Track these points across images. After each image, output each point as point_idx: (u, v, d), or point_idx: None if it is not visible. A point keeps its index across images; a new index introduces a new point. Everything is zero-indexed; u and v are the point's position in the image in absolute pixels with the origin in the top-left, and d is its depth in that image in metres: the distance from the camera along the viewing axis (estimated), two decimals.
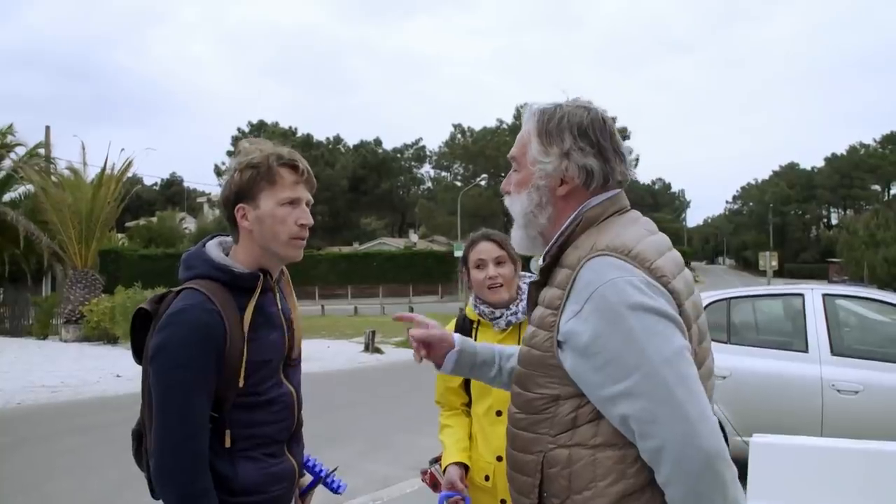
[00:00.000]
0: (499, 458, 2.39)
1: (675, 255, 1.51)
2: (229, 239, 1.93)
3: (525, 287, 2.52)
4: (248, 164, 1.81)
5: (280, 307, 1.90)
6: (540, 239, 1.60)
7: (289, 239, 1.84)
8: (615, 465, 1.37)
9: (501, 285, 2.52)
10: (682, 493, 1.29)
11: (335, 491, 2.13)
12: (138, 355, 1.85)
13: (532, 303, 1.59)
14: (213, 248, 1.88)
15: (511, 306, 2.53)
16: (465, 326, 2.60)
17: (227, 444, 1.76)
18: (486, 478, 2.47)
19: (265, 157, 1.81)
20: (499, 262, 2.53)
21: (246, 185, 1.81)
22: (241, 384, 1.74)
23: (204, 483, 1.69)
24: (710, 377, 1.51)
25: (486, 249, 2.54)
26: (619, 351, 1.33)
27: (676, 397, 1.28)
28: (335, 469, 2.15)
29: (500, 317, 2.53)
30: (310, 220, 1.87)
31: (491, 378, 1.86)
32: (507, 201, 1.63)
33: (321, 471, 2.09)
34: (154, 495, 1.85)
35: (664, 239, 1.54)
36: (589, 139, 1.52)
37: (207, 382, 1.71)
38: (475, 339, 2.27)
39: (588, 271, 1.40)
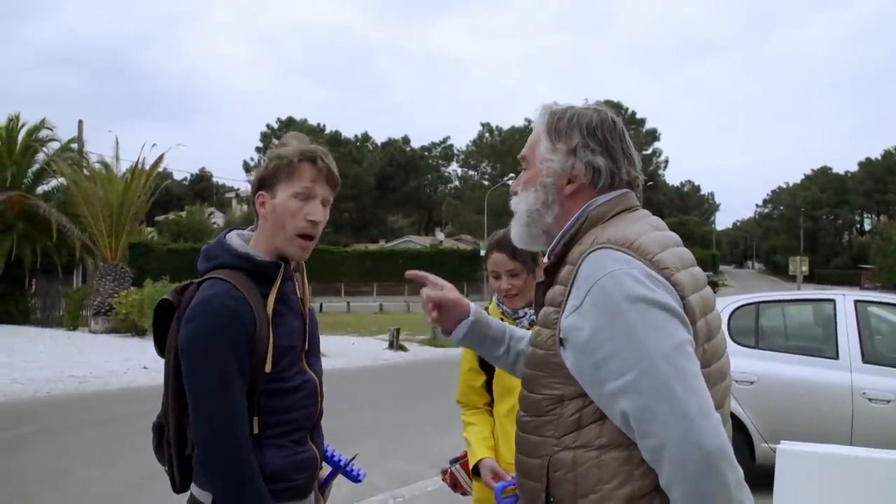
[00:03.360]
0: None
1: (683, 251, 1.48)
2: (247, 231, 1.95)
3: None
4: (277, 154, 1.84)
5: (299, 295, 1.91)
6: (543, 238, 1.58)
7: (294, 233, 1.82)
8: (621, 466, 1.32)
9: (516, 295, 2.51)
10: (686, 495, 1.23)
11: (355, 479, 2.11)
12: (160, 347, 1.86)
13: (539, 304, 1.56)
14: (233, 238, 1.89)
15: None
16: None
17: (256, 430, 1.75)
18: None
19: (291, 150, 1.83)
20: (512, 275, 2.50)
21: (269, 174, 1.83)
22: (268, 369, 1.74)
23: (251, 468, 1.69)
24: (723, 379, 1.47)
25: (499, 261, 2.50)
26: (617, 346, 1.29)
27: (676, 393, 1.23)
28: (354, 457, 2.13)
29: (524, 316, 2.51)
30: (319, 217, 1.84)
31: (498, 356, 1.82)
32: (514, 202, 1.61)
33: (340, 460, 2.07)
34: (175, 490, 1.85)
35: (671, 236, 1.51)
36: (597, 138, 1.52)
37: (241, 368, 1.70)
38: None
39: (588, 264, 1.37)
